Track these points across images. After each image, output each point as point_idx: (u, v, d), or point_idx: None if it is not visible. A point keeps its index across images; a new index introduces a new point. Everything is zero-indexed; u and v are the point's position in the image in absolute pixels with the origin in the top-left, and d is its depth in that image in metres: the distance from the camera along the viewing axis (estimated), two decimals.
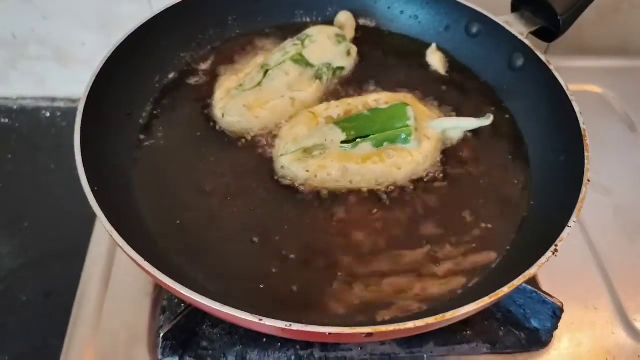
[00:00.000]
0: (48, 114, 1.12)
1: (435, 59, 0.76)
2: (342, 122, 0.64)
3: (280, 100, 0.67)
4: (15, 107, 1.10)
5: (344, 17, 0.79)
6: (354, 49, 0.75)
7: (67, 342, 0.61)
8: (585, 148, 0.58)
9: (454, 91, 0.73)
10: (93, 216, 0.85)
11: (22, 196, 0.96)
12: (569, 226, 0.50)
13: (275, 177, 0.62)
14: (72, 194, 0.95)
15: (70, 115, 1.09)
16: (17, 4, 0.95)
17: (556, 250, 0.48)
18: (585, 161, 0.56)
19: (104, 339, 0.60)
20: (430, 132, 0.65)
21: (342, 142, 0.62)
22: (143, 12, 0.96)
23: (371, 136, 0.62)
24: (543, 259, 0.47)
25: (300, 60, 0.70)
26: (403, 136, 0.62)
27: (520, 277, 0.46)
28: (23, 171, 1.00)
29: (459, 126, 0.66)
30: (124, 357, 0.59)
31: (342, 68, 0.74)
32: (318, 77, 0.71)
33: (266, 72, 0.68)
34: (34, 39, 1.02)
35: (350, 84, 0.73)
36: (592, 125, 0.86)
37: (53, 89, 1.12)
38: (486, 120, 0.64)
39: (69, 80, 1.10)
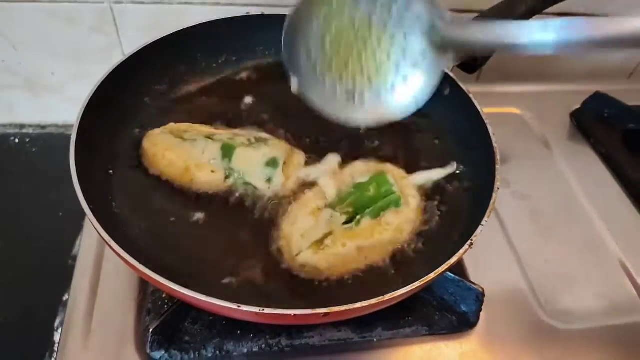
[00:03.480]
0: (17, 140, 1.13)
1: None
2: (337, 205, 0.67)
3: None
4: None
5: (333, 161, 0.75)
6: (280, 179, 0.71)
7: (61, 344, 0.68)
8: (496, 162, 0.69)
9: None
10: (67, 236, 0.90)
11: None
12: (482, 225, 0.61)
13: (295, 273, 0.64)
14: (45, 216, 1.00)
15: (40, 140, 1.13)
16: None
17: (472, 244, 0.60)
18: (496, 173, 0.67)
19: (95, 340, 0.67)
20: (410, 190, 0.71)
21: (344, 223, 0.65)
22: (112, 45, 1.03)
23: (367, 210, 0.66)
24: (461, 251, 0.59)
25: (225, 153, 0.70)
26: (394, 202, 0.68)
27: (444, 265, 0.57)
28: None
29: (430, 179, 0.74)
30: (114, 354, 0.66)
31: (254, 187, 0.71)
32: (227, 177, 0.71)
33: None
34: (4, 69, 1.05)
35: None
36: (513, 142, 1.01)
37: (22, 116, 1.15)
38: (451, 168, 0.73)
39: (38, 108, 1.13)
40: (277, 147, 0.72)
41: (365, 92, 0.68)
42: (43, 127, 1.17)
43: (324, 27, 0.68)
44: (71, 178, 0.61)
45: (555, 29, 0.52)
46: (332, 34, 0.68)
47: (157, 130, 0.75)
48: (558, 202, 0.91)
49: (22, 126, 1.17)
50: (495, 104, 1.07)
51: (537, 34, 0.53)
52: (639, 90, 1.15)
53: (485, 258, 0.80)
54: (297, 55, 0.67)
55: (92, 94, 0.70)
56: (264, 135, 0.76)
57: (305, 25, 0.66)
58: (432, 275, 0.57)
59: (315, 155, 0.76)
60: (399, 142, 0.81)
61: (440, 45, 0.65)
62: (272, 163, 0.70)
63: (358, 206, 0.67)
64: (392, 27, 0.67)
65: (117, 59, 0.76)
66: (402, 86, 0.68)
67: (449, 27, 0.63)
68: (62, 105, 1.13)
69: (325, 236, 0.64)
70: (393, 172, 0.72)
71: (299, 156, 0.75)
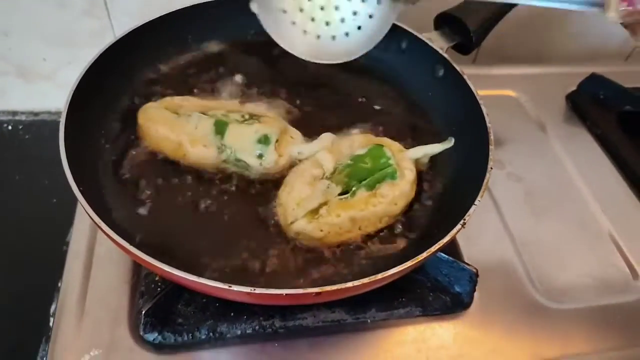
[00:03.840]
0: (10, 127, 1.14)
1: None
2: (334, 176, 0.67)
3: None
4: None
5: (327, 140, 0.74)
6: (272, 156, 0.70)
7: (54, 327, 0.68)
8: (489, 142, 0.69)
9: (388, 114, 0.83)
10: (61, 223, 0.90)
11: None
12: (475, 204, 0.61)
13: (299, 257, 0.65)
14: (37, 202, 1.00)
15: (33, 127, 1.13)
16: None
17: (464, 224, 0.60)
18: (490, 154, 0.67)
19: (89, 322, 0.68)
20: (407, 163, 0.71)
21: (340, 194, 0.66)
22: (104, 29, 1.02)
23: (363, 182, 0.67)
24: (454, 230, 0.59)
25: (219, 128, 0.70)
26: (390, 174, 0.68)
27: (436, 244, 0.57)
28: None
29: (427, 153, 0.73)
30: (108, 337, 0.66)
31: (246, 163, 0.70)
32: (219, 152, 0.70)
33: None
34: None
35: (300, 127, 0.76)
36: (509, 124, 1.01)
37: (14, 103, 1.14)
38: (449, 144, 0.71)
39: (30, 94, 1.13)
40: (270, 124, 0.71)
41: (322, 33, 0.77)
42: (36, 114, 1.16)
43: None
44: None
45: None
46: None
47: (152, 105, 0.75)
48: (553, 184, 0.91)
49: (14, 113, 1.16)
50: (491, 86, 1.07)
51: None
52: (636, 72, 1.15)
53: (480, 239, 0.81)
54: None
55: (81, 77, 0.70)
56: (260, 111, 0.76)
57: None
58: (424, 255, 0.56)
59: (308, 128, 0.76)
60: (394, 121, 0.81)
61: None
62: (263, 140, 0.69)
63: (354, 177, 0.67)
64: None
65: (108, 43, 0.76)
66: (355, 33, 0.77)
67: None
68: (54, 92, 1.13)
69: (321, 206, 0.64)
70: (390, 145, 0.72)
71: (295, 134, 0.74)
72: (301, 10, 0.77)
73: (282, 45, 0.78)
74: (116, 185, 0.69)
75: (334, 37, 0.78)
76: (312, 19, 0.77)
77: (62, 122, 0.64)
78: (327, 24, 0.78)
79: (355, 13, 0.77)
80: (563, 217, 0.86)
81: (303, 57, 0.78)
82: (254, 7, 0.77)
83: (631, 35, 0.54)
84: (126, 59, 0.79)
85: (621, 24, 0.54)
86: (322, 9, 0.77)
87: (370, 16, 0.77)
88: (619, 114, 1.03)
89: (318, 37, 0.78)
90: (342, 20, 0.77)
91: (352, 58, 0.78)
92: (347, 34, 0.78)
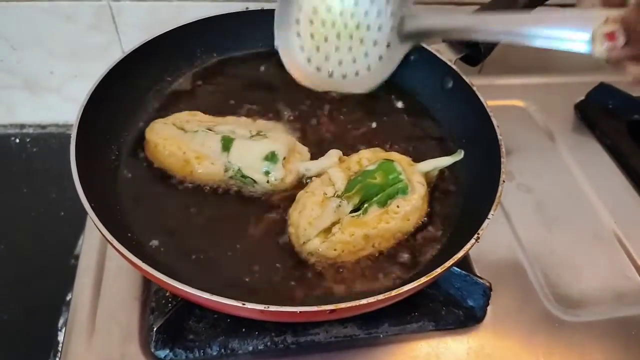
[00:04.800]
0: (17, 140, 1.14)
1: None
2: (344, 194, 0.66)
3: None
4: None
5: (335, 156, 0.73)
6: (279, 173, 0.69)
7: (65, 342, 0.67)
8: (501, 155, 0.68)
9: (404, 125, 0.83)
10: (69, 236, 0.91)
11: None
12: (488, 218, 0.61)
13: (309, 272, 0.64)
14: (45, 215, 1.01)
15: (41, 140, 1.14)
16: None
17: (478, 238, 0.59)
18: (502, 166, 0.67)
19: (99, 338, 0.67)
20: (418, 177, 0.70)
21: (352, 211, 0.65)
22: (111, 42, 1.03)
23: (375, 199, 0.66)
24: (468, 245, 0.58)
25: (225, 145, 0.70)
26: (402, 189, 0.67)
27: (450, 259, 0.57)
28: None
29: (437, 166, 0.73)
30: (118, 353, 0.66)
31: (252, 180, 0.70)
32: (226, 170, 0.70)
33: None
34: (3, 69, 1.05)
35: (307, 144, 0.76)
36: (517, 135, 1.01)
37: (22, 116, 1.15)
38: (459, 156, 0.71)
39: (38, 107, 1.13)
40: (277, 141, 0.70)
41: (335, 70, 0.85)
42: (43, 127, 1.17)
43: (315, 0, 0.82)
44: (71, 177, 0.60)
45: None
46: (321, 10, 0.83)
47: (160, 121, 0.75)
48: (563, 194, 0.91)
49: (22, 126, 1.17)
50: (499, 96, 1.07)
51: (467, 23, 0.69)
52: None
53: (492, 252, 0.80)
54: (286, 20, 0.84)
55: (92, 91, 0.70)
56: (269, 125, 0.76)
57: None
58: (438, 270, 0.56)
59: (317, 145, 0.77)
60: (403, 134, 0.81)
61: (404, 37, 0.80)
62: (270, 157, 0.69)
63: (365, 194, 0.66)
64: (373, 19, 0.82)
65: (116, 56, 0.76)
66: (365, 73, 0.84)
67: (413, 21, 0.78)
68: (61, 105, 1.14)
69: (333, 224, 0.64)
70: (400, 160, 0.72)
71: (303, 150, 0.74)
72: (317, 50, 0.84)
73: (296, 78, 0.84)
74: (126, 201, 0.69)
75: (344, 76, 0.85)
76: (327, 58, 0.85)
77: (72, 140, 0.64)
78: (340, 63, 0.84)
79: (366, 55, 0.83)
80: (574, 228, 0.86)
81: (315, 89, 0.84)
82: (277, 44, 0.85)
83: (616, 70, 0.55)
84: (135, 74, 0.79)
85: (607, 62, 0.55)
86: (336, 50, 0.84)
87: (380, 57, 0.83)
88: (628, 123, 1.02)
89: (330, 74, 0.85)
90: (354, 61, 0.84)
91: (361, 92, 0.84)
92: (357, 73, 0.84)
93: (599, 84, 1.06)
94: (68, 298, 0.81)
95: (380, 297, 0.53)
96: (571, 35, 0.56)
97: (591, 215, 0.88)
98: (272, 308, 0.51)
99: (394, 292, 0.54)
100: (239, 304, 0.51)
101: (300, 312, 0.52)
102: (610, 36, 0.51)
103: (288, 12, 0.83)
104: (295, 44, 0.84)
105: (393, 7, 0.80)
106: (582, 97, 1.08)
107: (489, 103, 0.75)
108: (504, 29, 0.64)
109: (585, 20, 0.54)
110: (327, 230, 0.64)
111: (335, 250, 0.64)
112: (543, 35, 0.59)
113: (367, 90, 0.84)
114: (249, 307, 0.51)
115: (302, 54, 0.84)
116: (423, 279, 0.55)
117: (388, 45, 0.82)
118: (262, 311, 0.51)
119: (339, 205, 0.65)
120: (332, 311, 0.52)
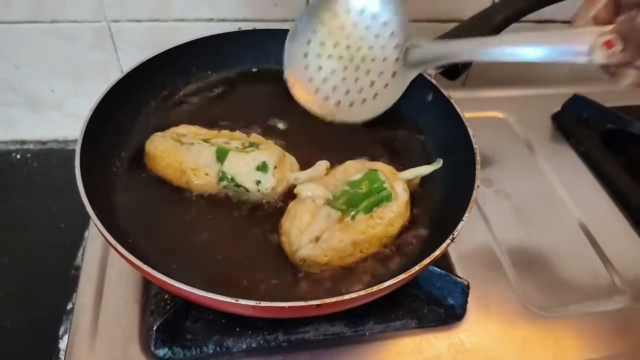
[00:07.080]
0: (19, 156, 1.18)
1: None
2: (333, 202, 0.70)
3: None
4: None
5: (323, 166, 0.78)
6: (270, 183, 0.74)
7: (69, 346, 0.71)
8: (476, 162, 0.72)
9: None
10: (68, 248, 0.94)
11: None
12: (463, 220, 0.65)
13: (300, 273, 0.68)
14: (45, 228, 1.04)
15: (41, 156, 1.17)
16: None
17: (454, 238, 0.63)
18: (476, 172, 0.71)
19: (102, 341, 0.71)
20: (400, 185, 0.74)
21: (340, 219, 0.69)
22: (110, 61, 1.07)
23: (361, 206, 0.70)
24: (444, 245, 0.62)
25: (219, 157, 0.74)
26: (386, 197, 0.71)
27: (427, 258, 0.61)
28: None
29: (418, 174, 0.77)
30: (120, 354, 0.70)
31: (245, 189, 0.74)
32: (220, 179, 0.74)
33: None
34: (5, 87, 1.09)
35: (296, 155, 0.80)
36: (497, 145, 1.06)
37: (23, 132, 1.19)
38: (438, 164, 0.76)
39: (39, 124, 1.17)
40: (268, 152, 0.75)
41: (342, 99, 0.86)
42: (43, 142, 1.21)
43: (323, 35, 0.86)
44: (70, 191, 0.64)
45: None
46: (328, 45, 0.86)
47: (158, 134, 0.79)
48: (540, 199, 0.96)
49: (23, 142, 1.21)
50: (480, 108, 1.12)
51: (474, 47, 0.72)
52: (616, 93, 1.18)
53: (472, 253, 0.85)
54: (294, 53, 0.86)
55: (95, 107, 0.74)
56: (259, 139, 0.80)
57: (306, 33, 0.86)
58: (416, 268, 0.60)
59: (306, 156, 0.81)
60: (386, 144, 0.86)
61: (409, 65, 0.83)
62: (262, 167, 0.73)
63: (352, 202, 0.70)
64: (378, 51, 0.85)
65: (115, 75, 0.80)
66: (371, 101, 0.85)
67: (417, 51, 0.81)
68: (62, 121, 1.17)
69: (323, 232, 0.67)
70: (384, 169, 0.76)
71: (293, 161, 0.79)
72: (325, 81, 0.86)
73: (303, 105, 0.86)
74: (127, 209, 0.73)
75: (351, 104, 0.86)
76: (334, 88, 0.86)
77: (77, 152, 0.68)
78: (347, 92, 0.86)
79: (372, 84, 0.85)
80: (549, 229, 0.90)
81: (321, 117, 0.86)
82: (286, 76, 0.87)
83: (613, 80, 0.60)
84: (134, 90, 0.83)
85: (605, 71, 0.60)
86: (343, 79, 0.86)
87: (386, 85, 0.84)
88: (601, 132, 1.07)
89: (338, 103, 0.86)
90: (360, 91, 0.85)
91: (366, 119, 0.85)
92: (364, 101, 0.85)
93: (572, 96, 1.11)
94: (69, 307, 0.85)
95: (363, 292, 0.57)
96: (573, 49, 0.60)
97: (565, 217, 0.93)
98: (263, 304, 0.55)
99: (375, 288, 0.58)
100: (232, 300, 0.55)
101: (289, 307, 0.56)
102: (608, 44, 0.57)
103: (296, 45, 0.86)
104: (303, 76, 0.86)
105: (397, 40, 0.83)
106: (558, 108, 1.13)
107: (470, 115, 0.80)
108: (511, 52, 0.66)
109: (583, 35, 0.59)
110: (318, 238, 0.67)
111: (326, 256, 0.67)
112: (548, 53, 0.62)
113: (373, 116, 0.85)
114: (242, 303, 0.55)
115: (310, 85, 0.86)
116: (402, 276, 0.59)
117: (394, 75, 0.84)
118: (254, 307, 0.56)
119: (329, 215, 0.69)
120: (318, 306, 0.56)
